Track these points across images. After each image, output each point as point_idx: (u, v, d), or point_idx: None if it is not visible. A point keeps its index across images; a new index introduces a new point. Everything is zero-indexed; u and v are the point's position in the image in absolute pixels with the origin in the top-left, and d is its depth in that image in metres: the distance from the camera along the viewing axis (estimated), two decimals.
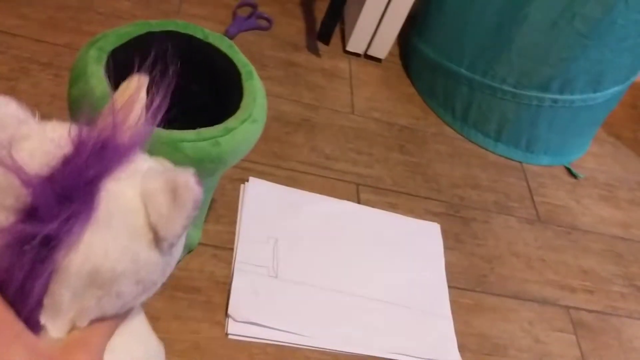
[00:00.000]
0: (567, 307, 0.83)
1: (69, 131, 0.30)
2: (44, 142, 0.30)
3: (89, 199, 0.29)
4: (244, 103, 0.57)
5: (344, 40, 1.08)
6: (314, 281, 0.73)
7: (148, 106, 0.33)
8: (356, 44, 1.05)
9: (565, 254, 0.90)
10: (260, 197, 0.78)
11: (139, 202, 0.31)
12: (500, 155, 1.00)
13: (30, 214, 0.28)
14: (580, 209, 0.98)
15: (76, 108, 0.53)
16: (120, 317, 0.35)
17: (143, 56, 0.48)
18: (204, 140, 0.52)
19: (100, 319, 0.33)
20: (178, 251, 0.34)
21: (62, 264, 0.29)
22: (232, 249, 0.72)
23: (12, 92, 0.78)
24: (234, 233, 0.74)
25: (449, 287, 0.79)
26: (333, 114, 0.95)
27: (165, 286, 0.67)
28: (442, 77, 1.01)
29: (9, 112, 0.30)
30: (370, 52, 1.06)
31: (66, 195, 0.28)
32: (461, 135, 1.01)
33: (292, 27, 1.07)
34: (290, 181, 0.82)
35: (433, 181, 0.92)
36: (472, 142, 1.01)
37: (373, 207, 0.84)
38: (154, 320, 0.63)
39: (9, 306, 0.29)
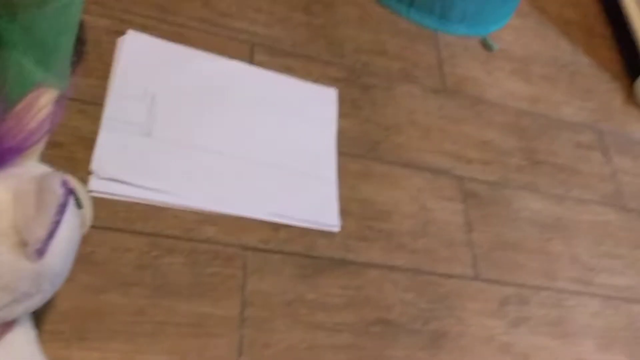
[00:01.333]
0: (461, 177, 0.83)
1: None
2: None
3: None
4: None
5: None
6: (192, 141, 0.69)
7: (43, 119, 0.33)
8: None
9: (467, 125, 0.88)
10: (139, 52, 0.73)
11: (10, 204, 0.31)
12: (413, 22, 0.95)
13: None
14: (490, 82, 0.95)
15: None
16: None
17: None
18: None
19: None
20: (56, 266, 0.33)
21: None
22: (102, 105, 0.67)
23: None
24: (105, 88, 0.69)
25: (339, 153, 0.77)
26: None
27: None
28: None
29: None
30: None
31: None
32: None
33: None
34: (177, 37, 0.77)
35: (336, 45, 0.87)
36: (385, 6, 0.95)
37: (267, 69, 0.79)
38: None
39: None
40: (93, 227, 0.60)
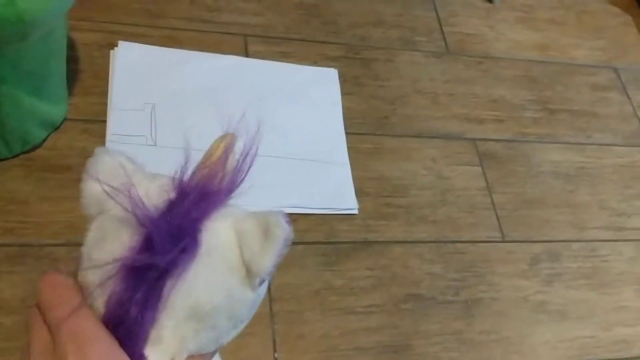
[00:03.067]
0: (474, 140, 0.81)
1: (172, 180, 0.33)
2: (152, 189, 0.33)
3: (194, 237, 0.32)
4: None
5: None
6: (198, 144, 0.69)
7: (238, 161, 0.36)
8: None
9: (475, 85, 0.86)
10: (132, 62, 0.72)
11: (234, 241, 0.33)
12: None
13: (145, 248, 0.31)
14: (494, 35, 0.92)
15: None
16: (211, 354, 0.37)
17: None
18: None
19: (197, 355, 0.35)
20: (263, 291, 0.36)
21: (169, 297, 0.32)
22: (104, 121, 0.67)
23: None
24: (105, 104, 0.69)
25: (347, 133, 0.76)
26: None
27: (30, 168, 0.64)
28: None
29: (120, 162, 0.33)
30: None
31: (176, 232, 0.32)
32: None
33: None
34: (168, 41, 0.76)
35: (331, 23, 0.85)
36: None
37: (263, 58, 0.78)
38: (21, 204, 0.61)
39: (116, 341, 0.32)
40: None
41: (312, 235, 0.67)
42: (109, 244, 0.33)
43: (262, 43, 0.80)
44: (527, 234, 0.75)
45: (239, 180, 0.37)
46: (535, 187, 0.79)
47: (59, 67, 0.61)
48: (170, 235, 0.32)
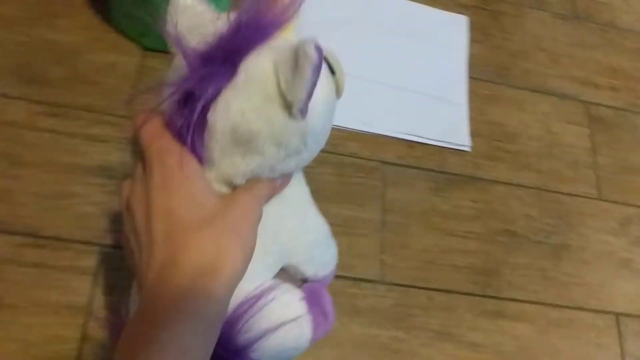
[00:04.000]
0: (587, 103, 0.85)
1: (228, 15, 0.36)
2: (218, 26, 0.36)
3: (230, 65, 0.35)
4: None
5: None
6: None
7: None
8: None
9: (596, 52, 0.89)
10: None
11: (272, 71, 0.35)
12: None
13: (186, 78, 0.36)
14: (624, 7, 0.94)
15: None
16: (276, 184, 0.40)
17: None
18: None
19: (257, 180, 0.39)
20: (317, 125, 0.38)
21: (210, 122, 0.36)
22: None
23: None
24: None
25: (470, 77, 0.82)
26: None
27: None
28: None
29: (190, 3, 0.37)
30: None
31: (216, 62, 0.35)
32: None
33: None
34: None
35: None
36: None
37: None
38: None
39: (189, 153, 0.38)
40: None
41: (426, 162, 0.75)
42: (172, 76, 0.37)
43: None
44: (623, 197, 0.79)
45: (289, 15, 0.37)
46: (638, 156, 0.83)
47: None
48: (208, 64, 0.35)
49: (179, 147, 0.37)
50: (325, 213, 0.69)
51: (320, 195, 0.69)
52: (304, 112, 0.36)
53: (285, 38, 0.37)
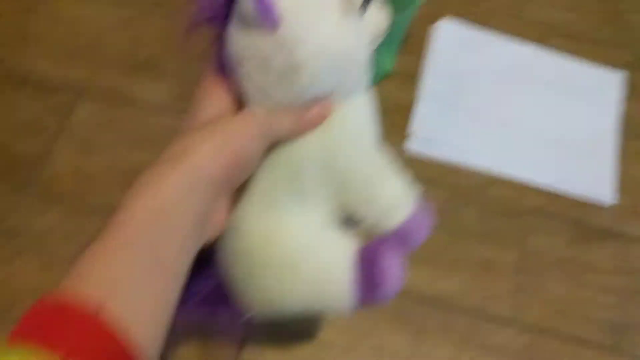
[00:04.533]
0: None
1: None
2: None
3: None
4: None
5: None
6: (489, 112, 0.83)
7: None
8: None
9: None
10: (449, 35, 0.87)
11: None
12: None
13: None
14: None
15: None
16: (299, 113, 0.38)
17: None
18: None
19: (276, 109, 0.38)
20: (300, 31, 0.35)
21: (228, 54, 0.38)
22: (415, 80, 0.84)
23: None
24: (419, 66, 0.85)
25: (620, 134, 0.83)
26: None
27: None
28: None
29: None
30: None
31: None
32: None
33: None
34: (482, 22, 0.89)
35: (627, 30, 0.91)
36: None
37: (558, 52, 0.88)
38: None
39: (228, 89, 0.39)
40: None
41: (568, 213, 0.78)
42: None
43: (561, 37, 0.89)
44: None
45: None
46: None
47: (402, 31, 0.78)
48: None
49: (217, 78, 0.39)
50: (465, 249, 0.74)
51: (462, 234, 0.75)
52: (264, 19, 0.34)
53: None
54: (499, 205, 0.77)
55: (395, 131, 0.80)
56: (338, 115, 0.39)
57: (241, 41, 0.36)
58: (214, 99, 0.38)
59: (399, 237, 0.41)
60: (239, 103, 0.39)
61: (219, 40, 0.38)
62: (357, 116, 0.41)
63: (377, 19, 0.40)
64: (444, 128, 0.80)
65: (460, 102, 0.82)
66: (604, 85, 0.87)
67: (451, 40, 0.87)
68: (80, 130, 0.77)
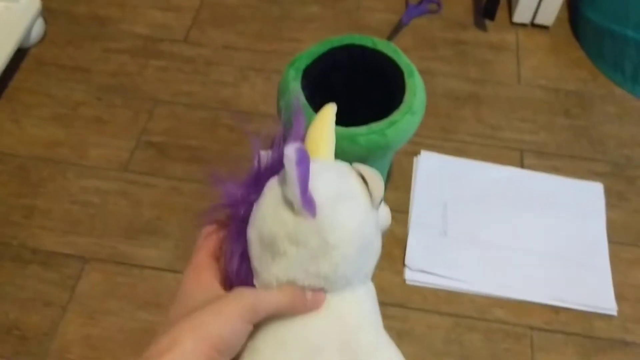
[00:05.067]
0: None
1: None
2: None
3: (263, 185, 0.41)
4: (406, 98, 0.71)
5: (510, 12, 1.14)
6: (478, 238, 0.86)
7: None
8: (522, 14, 1.11)
9: None
10: (431, 167, 0.93)
11: (359, 184, 0.40)
12: None
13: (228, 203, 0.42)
14: None
15: (284, 115, 0.72)
16: (293, 295, 0.40)
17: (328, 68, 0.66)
18: (374, 133, 0.68)
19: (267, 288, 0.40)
20: (337, 220, 0.39)
21: (247, 236, 0.41)
22: (407, 212, 0.88)
23: (237, 95, 1.01)
24: (409, 198, 0.89)
25: (610, 242, 0.86)
26: (499, 86, 1.04)
27: None
28: (609, 40, 1.03)
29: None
30: (537, 21, 1.11)
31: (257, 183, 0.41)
32: (632, 94, 1.03)
33: (460, 7, 1.16)
34: (458, 152, 0.95)
35: (599, 143, 0.97)
36: None
37: (536, 171, 0.93)
38: None
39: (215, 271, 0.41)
40: (410, 308, 0.79)
41: (572, 328, 0.78)
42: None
43: (535, 157, 0.95)
44: None
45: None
46: None
47: (386, 173, 0.84)
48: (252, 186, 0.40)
49: (205, 260, 0.41)
50: None
51: None
52: (307, 207, 0.38)
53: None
54: (502, 328, 0.78)
55: (394, 263, 0.83)
56: (354, 299, 0.42)
57: (273, 221, 0.39)
58: (202, 284, 0.40)
59: None
60: (225, 287, 0.41)
61: (234, 224, 0.41)
62: (370, 301, 0.44)
63: (385, 213, 0.46)
64: (436, 257, 0.83)
65: (449, 230, 0.86)
66: (587, 197, 0.90)
67: (433, 172, 0.92)
68: (87, 299, 0.80)
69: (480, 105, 1.01)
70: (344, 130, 0.67)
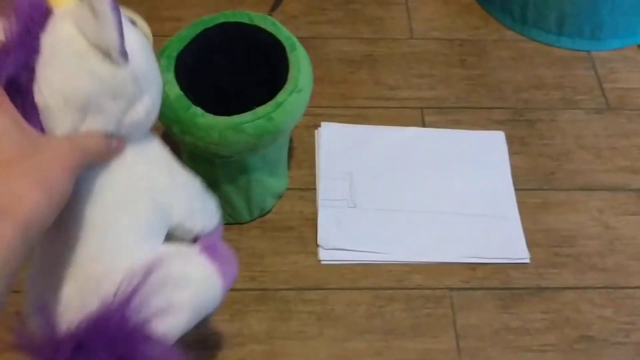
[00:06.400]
0: (639, 190, 0.87)
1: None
2: None
3: (36, 41, 0.37)
4: (290, 75, 0.67)
5: None
6: (388, 205, 0.84)
7: None
8: None
9: (638, 137, 0.92)
10: (333, 139, 0.89)
11: (75, 31, 0.37)
12: (565, 49, 1.01)
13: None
14: None
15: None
16: (108, 142, 0.41)
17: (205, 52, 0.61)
18: (260, 118, 0.63)
19: (85, 132, 0.39)
20: (142, 65, 0.40)
21: (40, 104, 0.37)
22: (314, 189, 0.85)
23: None
24: (314, 175, 0.86)
25: (516, 189, 0.86)
26: (393, 43, 1.01)
27: (265, 229, 0.81)
28: None
29: None
30: None
31: (19, 43, 0.37)
32: (522, 36, 1.03)
33: None
34: (359, 118, 0.92)
35: (496, 90, 0.96)
36: (535, 40, 1.02)
37: (437, 127, 0.91)
38: (260, 257, 0.79)
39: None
40: (328, 288, 0.76)
41: (490, 282, 0.78)
42: None
43: (436, 113, 0.93)
44: None
45: None
46: None
47: (286, 151, 0.79)
48: (16, 45, 0.37)
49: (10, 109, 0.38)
50: (401, 349, 0.73)
51: (395, 332, 0.74)
52: (124, 53, 0.37)
53: (69, 4, 0.39)
54: (422, 294, 0.77)
55: (307, 245, 0.80)
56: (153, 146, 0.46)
57: (82, 79, 0.38)
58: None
59: (217, 233, 0.54)
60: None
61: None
62: (162, 148, 0.48)
63: (146, 28, 0.48)
64: (348, 232, 0.81)
65: (358, 201, 0.83)
66: (489, 147, 0.90)
67: (335, 143, 0.89)
68: None
69: (376, 65, 0.98)
70: (227, 119, 0.62)
